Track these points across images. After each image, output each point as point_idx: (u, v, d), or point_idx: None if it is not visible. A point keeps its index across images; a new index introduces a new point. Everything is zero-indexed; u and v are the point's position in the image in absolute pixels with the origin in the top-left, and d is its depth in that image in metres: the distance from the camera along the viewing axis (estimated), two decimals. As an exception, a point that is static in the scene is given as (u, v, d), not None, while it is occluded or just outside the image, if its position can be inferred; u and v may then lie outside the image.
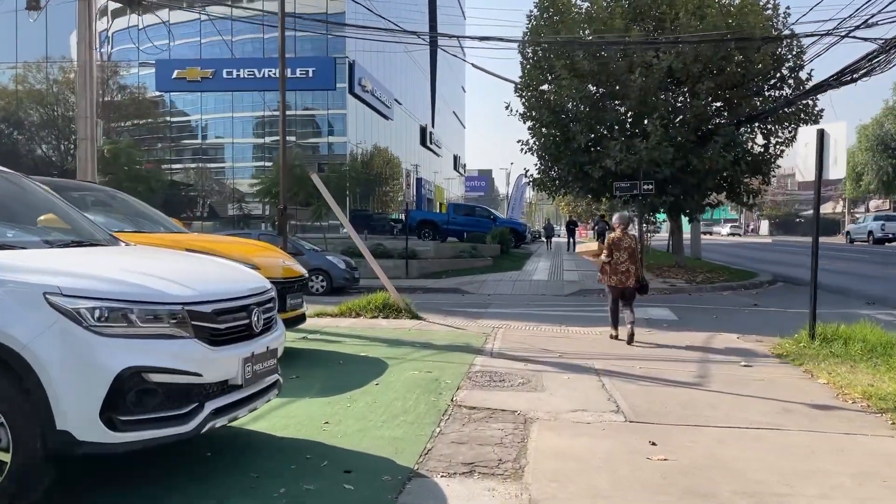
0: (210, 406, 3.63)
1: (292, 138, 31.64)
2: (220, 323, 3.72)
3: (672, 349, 8.93)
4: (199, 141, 34.11)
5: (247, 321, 3.96)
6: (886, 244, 40.50)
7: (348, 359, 7.64)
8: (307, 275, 7.91)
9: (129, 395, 3.27)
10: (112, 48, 33.34)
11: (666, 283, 18.90)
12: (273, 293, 4.48)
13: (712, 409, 5.81)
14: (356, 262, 20.24)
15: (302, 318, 7.78)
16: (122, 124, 35.62)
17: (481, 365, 7.44)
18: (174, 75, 31.17)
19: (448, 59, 59.74)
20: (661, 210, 23.51)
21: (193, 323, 3.55)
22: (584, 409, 5.69)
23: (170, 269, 3.99)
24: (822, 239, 10.27)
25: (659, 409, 5.72)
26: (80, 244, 4.38)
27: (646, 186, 18.90)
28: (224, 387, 3.76)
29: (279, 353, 4.41)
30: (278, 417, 5.34)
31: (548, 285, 19.37)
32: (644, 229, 27.75)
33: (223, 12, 29.06)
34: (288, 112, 33.93)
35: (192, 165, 34.61)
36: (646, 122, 20.91)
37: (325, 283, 17.26)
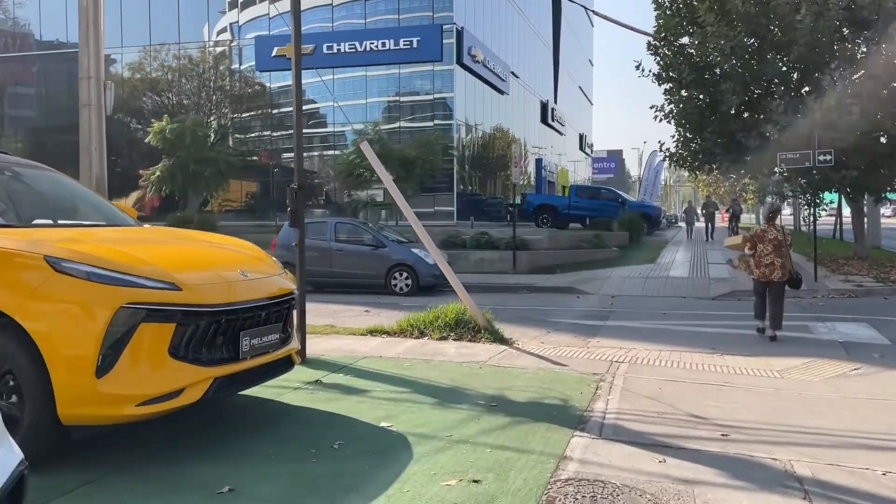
0: None
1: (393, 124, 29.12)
2: None
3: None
4: (327, 129, 32.20)
5: None
6: None
7: (352, 438, 4.52)
8: (294, 292, 4.85)
9: None
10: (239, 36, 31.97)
11: (849, 282, 14.49)
12: None
13: None
14: (451, 256, 17.20)
15: (285, 363, 4.76)
16: (242, 116, 34.49)
17: (580, 462, 4.10)
18: (273, 53, 29.33)
19: (573, 29, 55.31)
20: (834, 189, 18.69)
21: None
22: None
23: None
24: None
25: None
26: None
27: (823, 157, 14.54)
28: None
29: None
30: None
31: (689, 284, 15.45)
32: (809, 213, 22.83)
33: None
34: (394, 93, 31.40)
35: (313, 154, 32.82)
36: (818, 75, 16.40)
37: (409, 282, 14.31)
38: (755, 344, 8.61)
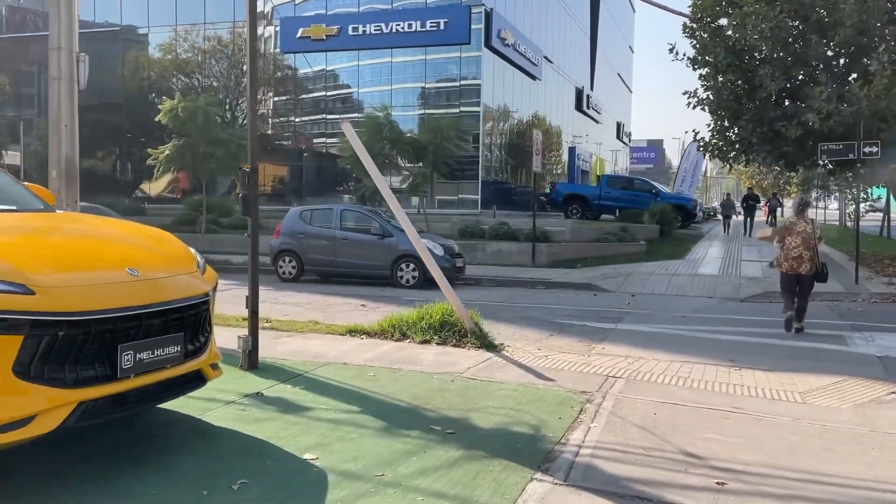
0: None
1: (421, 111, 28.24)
2: None
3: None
4: (356, 115, 31.53)
5: None
6: None
7: (261, 474, 3.76)
8: (209, 295, 4.09)
9: None
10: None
11: (894, 286, 13.29)
12: None
13: None
14: (468, 246, 16.39)
15: (194, 379, 4.01)
16: (276, 99, 34.01)
17: (527, 520, 3.28)
18: (298, 34, 28.67)
19: (613, 14, 53.61)
20: (881, 184, 17.32)
21: None
22: None
23: None
24: None
25: None
26: None
27: (869, 149, 13.33)
28: None
29: None
30: None
31: (717, 283, 14.39)
32: (851, 207, 21.41)
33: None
34: (419, 78, 30.50)
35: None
36: (866, 60, 15.10)
37: (416, 274, 13.52)
38: (780, 355, 7.65)
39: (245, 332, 7.53)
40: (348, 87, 30.91)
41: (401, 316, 7.73)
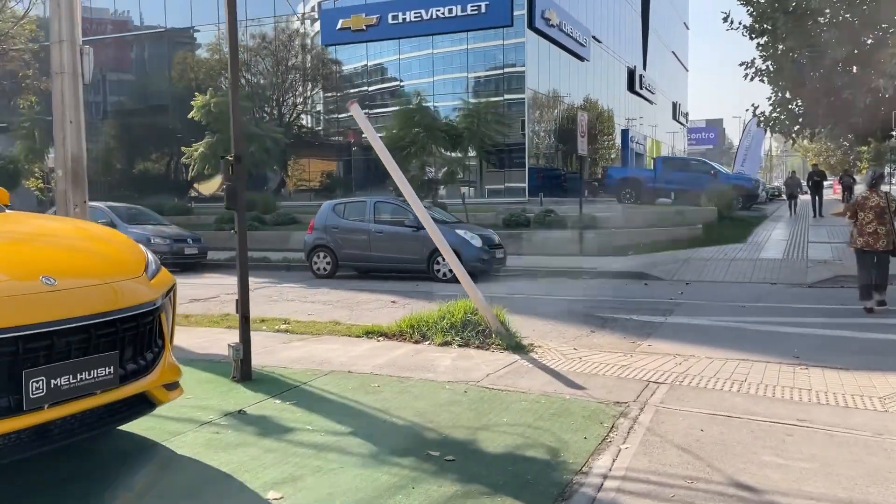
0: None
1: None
2: None
3: None
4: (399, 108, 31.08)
5: None
6: None
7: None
8: (156, 303, 3.46)
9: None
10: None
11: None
12: None
13: None
14: (512, 236, 15.61)
15: (139, 405, 3.41)
16: (324, 95, 33.78)
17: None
18: (339, 26, 28.23)
19: (665, -10, 51.60)
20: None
21: None
22: None
23: None
24: None
25: None
26: None
27: (950, 113, 11.99)
28: None
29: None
30: None
31: (782, 268, 13.25)
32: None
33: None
34: (461, 65, 29.67)
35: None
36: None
37: (453, 266, 12.78)
38: (855, 350, 6.69)
39: (254, 336, 7.00)
40: (393, 79, 30.40)
41: (420, 315, 7.05)
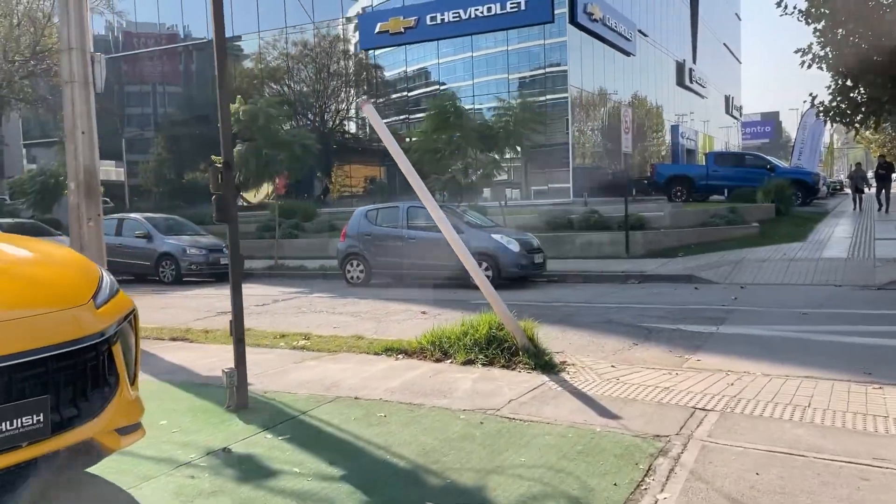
0: None
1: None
2: None
3: None
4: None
5: None
6: None
7: None
8: (104, 334, 2.98)
9: None
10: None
11: None
12: None
13: None
14: (554, 239, 14.93)
15: (82, 454, 2.93)
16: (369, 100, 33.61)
17: None
18: (377, 30, 27.92)
19: (714, -20, 49.93)
20: None
21: None
22: None
23: None
24: None
25: None
26: None
27: None
28: None
29: None
30: None
31: (847, 268, 12.25)
32: None
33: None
34: (502, 63, 29.03)
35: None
36: None
37: (490, 273, 12.18)
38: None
39: (267, 355, 6.55)
40: (433, 83, 29.97)
41: (443, 331, 6.48)
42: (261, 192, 37.76)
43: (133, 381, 3.37)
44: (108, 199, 33.39)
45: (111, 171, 39.99)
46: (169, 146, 39.69)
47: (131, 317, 3.36)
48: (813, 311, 8.86)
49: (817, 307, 9.10)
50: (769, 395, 5.00)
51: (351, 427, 4.42)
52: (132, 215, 17.16)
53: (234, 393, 4.77)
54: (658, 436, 4.15)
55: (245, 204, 36.31)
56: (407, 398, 5.02)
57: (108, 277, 3.38)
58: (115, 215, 17.09)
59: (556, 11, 25.49)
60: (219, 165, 4.67)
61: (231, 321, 4.86)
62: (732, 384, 5.32)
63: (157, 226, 16.25)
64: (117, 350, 3.16)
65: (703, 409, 4.66)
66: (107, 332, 3.05)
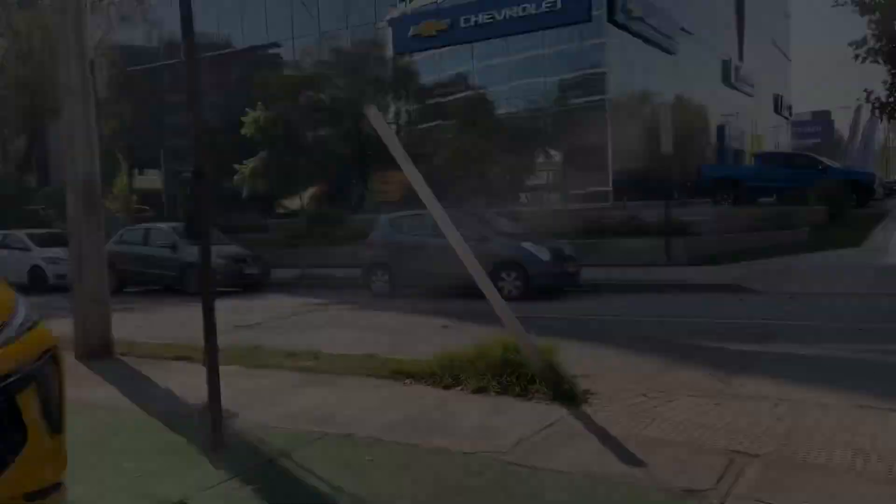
0: None
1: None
2: None
3: None
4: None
5: None
6: None
7: None
8: (17, 373, 2.46)
9: None
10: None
11: None
12: None
13: None
14: (590, 245, 14.21)
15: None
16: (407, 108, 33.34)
17: None
18: (411, 33, 27.49)
19: (760, -25, 48.37)
20: None
21: None
22: None
23: None
24: None
25: None
26: None
27: None
28: None
29: None
30: None
31: (908, 276, 11.29)
32: None
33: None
34: (538, 65, 28.21)
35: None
36: None
37: (518, 283, 11.57)
38: None
39: (266, 379, 6.05)
40: (469, 87, 29.42)
41: (454, 353, 5.89)
42: (293, 200, 37.84)
43: (58, 429, 2.86)
44: (146, 208, 33.72)
45: (156, 180, 40.38)
46: (210, 154, 39.95)
47: (50, 357, 2.85)
48: (873, 324, 8.02)
49: (879, 322, 8.25)
50: (826, 432, 4.28)
51: (332, 474, 3.84)
52: (158, 224, 16.96)
53: (210, 432, 4.25)
54: (690, 490, 3.48)
55: (282, 211, 36.38)
56: (404, 436, 4.43)
57: (22, 312, 2.86)
58: (142, 225, 16.91)
59: (593, 11, 24.72)
60: (189, 175, 4.16)
61: (203, 348, 4.34)
62: (781, 419, 4.61)
63: (182, 235, 16.00)
64: (28, 398, 2.64)
65: (745, 454, 3.96)
66: (8, 378, 2.54)
